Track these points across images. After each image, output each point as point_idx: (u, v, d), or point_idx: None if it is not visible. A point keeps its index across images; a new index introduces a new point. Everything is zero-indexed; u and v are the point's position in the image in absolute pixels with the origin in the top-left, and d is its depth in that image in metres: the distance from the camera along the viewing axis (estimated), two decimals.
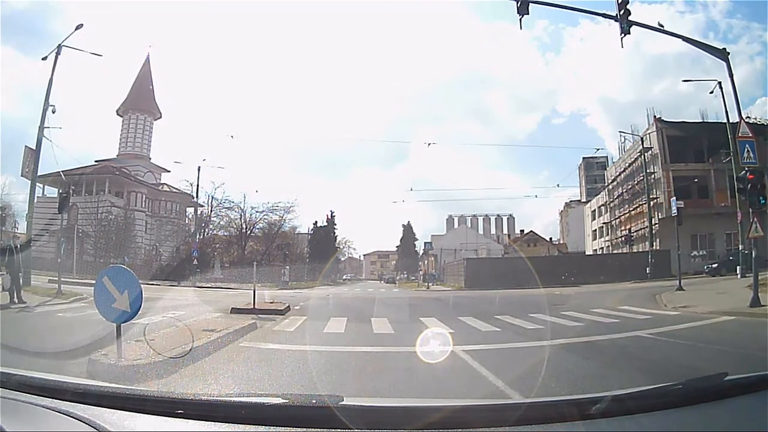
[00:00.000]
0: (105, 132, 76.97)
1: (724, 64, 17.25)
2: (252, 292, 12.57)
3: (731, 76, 17.55)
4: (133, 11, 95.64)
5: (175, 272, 33.01)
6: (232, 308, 11.64)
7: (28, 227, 20.03)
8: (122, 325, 4.86)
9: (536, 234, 68.73)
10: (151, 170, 51.09)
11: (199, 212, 43.41)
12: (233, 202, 46.20)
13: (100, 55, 31.01)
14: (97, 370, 4.77)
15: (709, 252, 33.18)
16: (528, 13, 14.67)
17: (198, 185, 37.86)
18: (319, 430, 1.41)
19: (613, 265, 32.02)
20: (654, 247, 32.19)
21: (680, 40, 17.22)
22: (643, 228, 36.04)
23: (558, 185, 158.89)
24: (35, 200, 20.60)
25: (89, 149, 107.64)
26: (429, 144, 77.81)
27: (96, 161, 48.69)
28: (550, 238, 69.74)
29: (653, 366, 5.53)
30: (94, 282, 4.95)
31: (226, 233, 47.74)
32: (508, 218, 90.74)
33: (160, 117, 53.17)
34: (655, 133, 35.44)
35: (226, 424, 1.43)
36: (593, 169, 64.87)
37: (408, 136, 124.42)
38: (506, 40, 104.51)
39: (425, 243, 60.20)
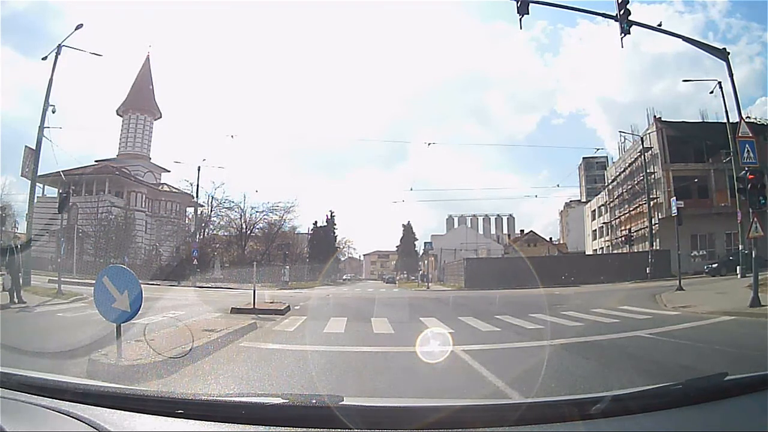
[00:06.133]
0: (105, 132, 76.96)
1: (724, 64, 17.24)
2: (252, 292, 12.57)
3: (731, 76, 17.55)
4: (133, 11, 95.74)
5: (175, 272, 33.02)
6: (232, 308, 11.64)
7: (28, 227, 20.01)
8: (122, 325, 4.86)
9: (536, 234, 68.69)
10: (151, 170, 51.09)
11: (199, 212, 43.41)
12: (233, 202, 46.29)
13: (100, 55, 31.17)
14: (97, 370, 4.77)
15: (709, 252, 33.17)
16: (528, 13, 14.69)
17: (198, 185, 37.90)
18: (319, 430, 1.41)
19: (613, 265, 32.02)
20: (654, 247, 32.19)
21: (680, 40, 17.24)
22: (643, 228, 36.03)
23: (558, 185, 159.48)
24: (35, 200, 20.59)
25: (89, 149, 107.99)
26: (429, 144, 77.62)
27: (96, 161, 48.70)
28: (550, 238, 69.85)
29: (653, 366, 5.53)
30: (94, 282, 4.95)
31: (226, 233, 47.77)
32: (508, 218, 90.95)
33: (160, 117, 53.25)
34: (655, 133, 35.44)
35: (226, 424, 1.43)
36: (593, 169, 64.89)
37: (408, 136, 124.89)
38: (505, 41, 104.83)
39: (425, 243, 60.08)
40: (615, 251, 41.37)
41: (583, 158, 65.26)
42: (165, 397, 1.67)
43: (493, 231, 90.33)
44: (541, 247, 61.72)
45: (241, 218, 46.44)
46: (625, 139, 41.65)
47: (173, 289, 22.65)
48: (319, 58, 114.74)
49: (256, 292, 12.62)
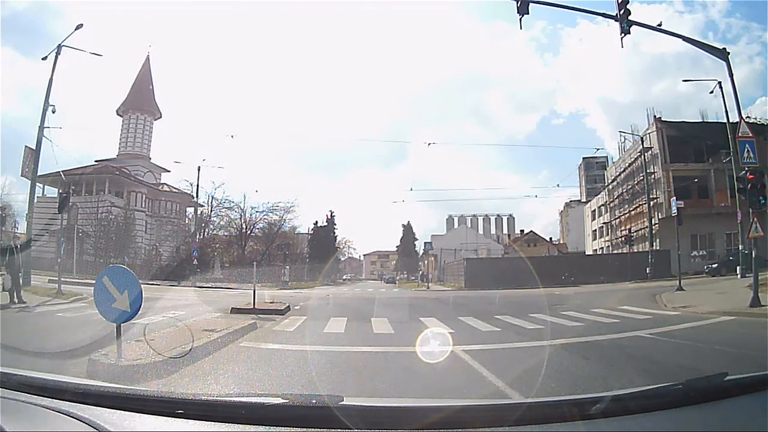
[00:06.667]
0: (105, 132, 77.32)
1: (724, 64, 17.22)
2: (252, 292, 12.57)
3: (731, 75, 17.53)
4: (133, 11, 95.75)
5: (175, 272, 33.01)
6: (232, 308, 11.64)
7: (28, 227, 20.02)
8: (122, 325, 4.86)
9: (536, 234, 68.72)
10: (151, 170, 51.11)
11: (199, 212, 43.42)
12: (233, 202, 46.30)
13: (100, 55, 31.17)
14: (97, 370, 4.77)
15: (709, 252, 33.16)
16: (528, 13, 14.68)
17: (198, 185, 37.91)
18: (319, 430, 1.41)
19: (613, 265, 31.98)
20: (654, 247, 32.17)
21: (680, 40, 17.23)
22: (643, 228, 36.03)
23: (558, 185, 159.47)
24: (35, 200, 20.58)
25: (89, 149, 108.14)
26: (429, 144, 77.08)
27: (96, 161, 48.73)
28: (550, 238, 69.86)
29: (653, 366, 5.53)
30: (94, 282, 4.95)
31: (226, 233, 47.76)
32: (508, 218, 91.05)
33: (160, 117, 53.31)
34: (655, 133, 35.43)
35: (226, 424, 1.43)
36: (593, 169, 64.87)
37: (408, 136, 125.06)
38: (505, 41, 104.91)
39: (425, 243, 60.13)
40: (615, 251, 41.35)
41: (583, 158, 65.27)
42: (165, 397, 1.67)
43: (493, 231, 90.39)
44: (541, 247, 61.72)
45: (241, 218, 46.51)
46: (625, 139, 41.72)
47: (173, 289, 22.64)
48: (319, 58, 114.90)
49: (256, 292, 12.62)
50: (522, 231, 73.39)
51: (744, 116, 17.53)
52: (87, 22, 31.54)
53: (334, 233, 60.19)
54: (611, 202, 44.54)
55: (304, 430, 1.41)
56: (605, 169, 52.84)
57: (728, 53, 17.18)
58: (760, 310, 9.91)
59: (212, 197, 45.16)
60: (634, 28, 14.89)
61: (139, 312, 4.89)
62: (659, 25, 16.66)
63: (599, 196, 51.16)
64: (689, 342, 7.38)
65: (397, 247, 78.89)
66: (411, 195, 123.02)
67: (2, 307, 11.34)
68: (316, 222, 58.05)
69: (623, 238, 38.46)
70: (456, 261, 44.83)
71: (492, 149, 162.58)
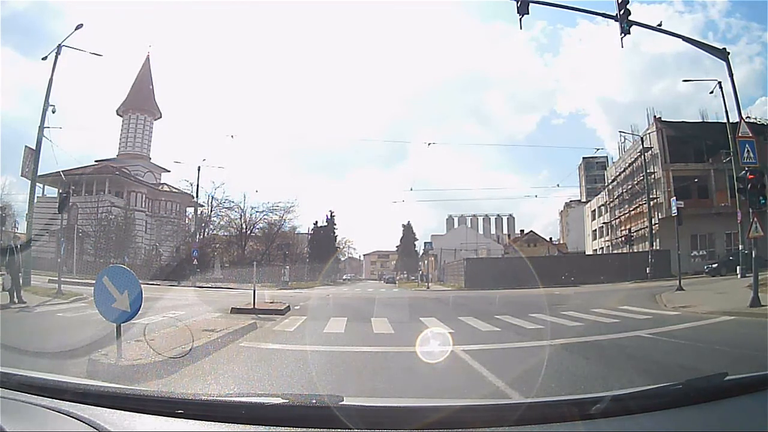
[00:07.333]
0: (105, 132, 77.54)
1: (724, 64, 17.23)
2: (252, 292, 12.57)
3: (731, 75, 17.54)
4: (133, 11, 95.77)
5: (175, 272, 33.01)
6: (232, 308, 11.64)
7: (28, 227, 20.01)
8: (122, 325, 4.86)
9: (536, 234, 68.72)
10: (151, 170, 51.11)
11: (199, 212, 43.40)
12: (233, 202, 46.27)
13: (100, 55, 31.18)
14: (97, 370, 4.76)
15: (709, 252, 33.15)
16: (528, 13, 14.69)
17: (198, 185, 37.91)
18: (318, 430, 1.41)
19: (613, 265, 31.97)
20: (654, 247, 32.17)
21: (680, 40, 17.23)
22: (643, 228, 36.03)
23: (558, 185, 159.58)
24: (35, 200, 20.58)
25: (89, 149, 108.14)
26: (429, 144, 77.16)
27: (96, 161, 48.73)
28: (550, 238, 69.87)
29: (653, 366, 5.53)
30: (94, 282, 4.95)
31: (226, 233, 47.73)
32: (508, 218, 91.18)
33: (160, 117, 53.32)
34: (655, 133, 35.43)
35: (226, 424, 1.43)
36: (593, 169, 64.92)
37: (408, 136, 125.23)
38: (505, 41, 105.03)
39: (425, 243, 60.22)
40: (615, 251, 41.35)
41: (583, 158, 65.35)
42: (165, 397, 1.67)
43: (493, 231, 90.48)
44: (541, 247, 61.72)
45: (241, 218, 46.48)
46: (625, 139, 41.74)
47: (173, 289, 22.63)
48: (319, 58, 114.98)
49: (256, 292, 12.62)
50: (522, 231, 73.41)
51: (744, 116, 17.54)
52: (87, 22, 31.58)
53: (334, 233, 60.19)
54: (611, 202, 44.54)
55: (304, 430, 1.41)
56: (605, 169, 52.86)
57: (728, 53, 17.18)
58: (760, 310, 9.91)
59: (212, 197, 45.19)
60: (634, 28, 14.91)
61: (139, 312, 4.89)
62: (659, 25, 16.68)
63: (599, 196, 51.17)
64: (689, 342, 7.37)
65: (397, 247, 78.91)
66: (411, 195, 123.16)
67: (2, 307, 11.34)
68: (316, 222, 58.15)
69: (623, 238, 38.47)
70: (456, 261, 44.82)
71: (492, 149, 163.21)
